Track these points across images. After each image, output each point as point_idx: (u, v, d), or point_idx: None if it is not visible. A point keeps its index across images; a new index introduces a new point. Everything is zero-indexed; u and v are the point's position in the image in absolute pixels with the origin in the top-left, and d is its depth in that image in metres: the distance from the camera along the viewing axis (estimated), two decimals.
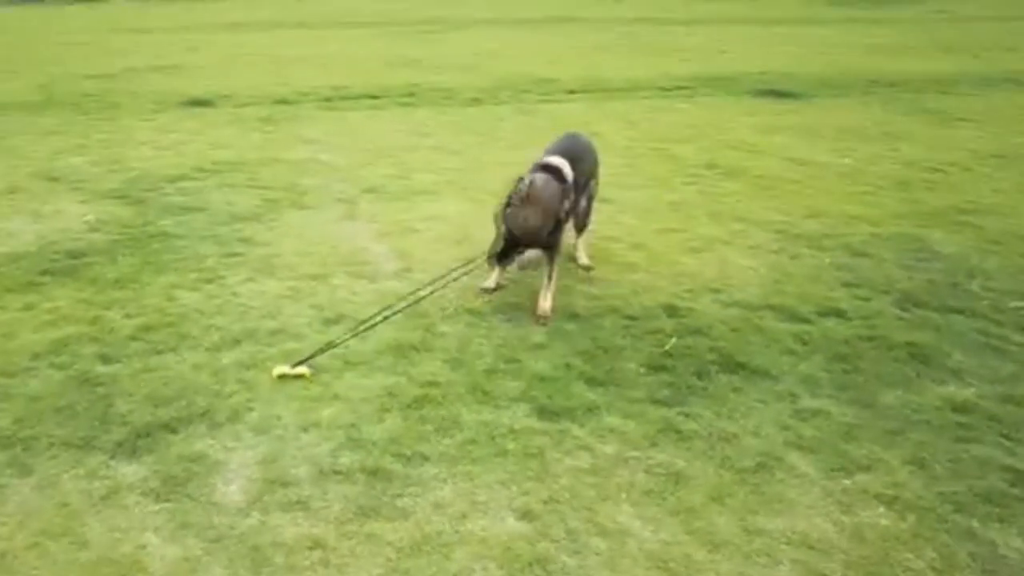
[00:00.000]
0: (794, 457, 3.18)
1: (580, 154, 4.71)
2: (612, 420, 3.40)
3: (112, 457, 3.19)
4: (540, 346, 4.01)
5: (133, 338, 4.08)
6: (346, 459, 3.15)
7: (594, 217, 5.09)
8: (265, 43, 14.49)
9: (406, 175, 6.75)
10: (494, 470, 3.10)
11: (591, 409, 3.48)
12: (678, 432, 3.34)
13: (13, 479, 3.08)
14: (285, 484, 3.02)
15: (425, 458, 3.16)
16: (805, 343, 4.06)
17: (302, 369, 3.73)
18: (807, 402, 3.55)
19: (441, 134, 8.16)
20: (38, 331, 4.16)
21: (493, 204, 6.07)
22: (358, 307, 4.42)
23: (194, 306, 4.45)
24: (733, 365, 3.84)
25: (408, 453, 3.18)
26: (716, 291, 4.64)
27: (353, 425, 3.37)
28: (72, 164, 7.11)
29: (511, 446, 3.24)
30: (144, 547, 2.74)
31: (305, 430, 3.35)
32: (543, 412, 3.46)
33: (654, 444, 3.26)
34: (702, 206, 6.06)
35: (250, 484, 3.03)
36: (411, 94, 10.15)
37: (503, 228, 4.23)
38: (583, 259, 5.03)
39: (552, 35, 15.38)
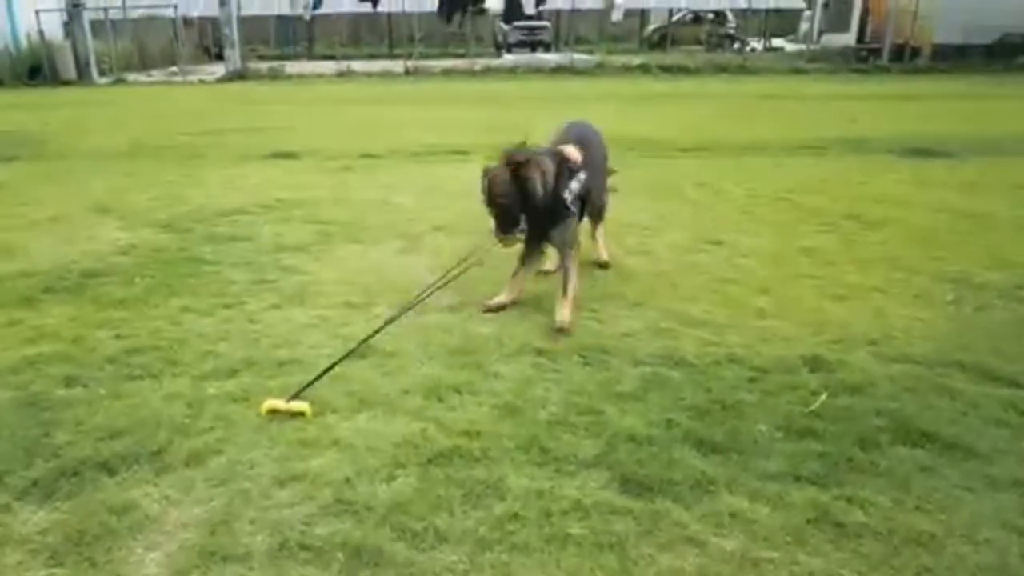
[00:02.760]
0: None
1: (588, 140, 4.32)
2: (735, 502, 2.28)
3: (20, 498, 2.35)
4: (630, 396, 2.95)
5: (112, 360, 3.32)
6: (324, 529, 2.16)
7: (609, 205, 4.73)
8: (364, 114, 14.49)
9: (482, 216, 5.92)
10: (546, 564, 2.03)
11: (702, 484, 2.38)
12: (839, 525, 2.18)
13: None
14: (227, 558, 2.06)
15: (442, 537, 2.13)
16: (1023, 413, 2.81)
17: (300, 405, 2.82)
18: None
19: None
20: (10, 348, 3.47)
21: (584, 243, 5.20)
22: (394, 340, 3.50)
23: (199, 331, 3.67)
24: (916, 435, 2.64)
25: (418, 527, 2.16)
26: (875, 343, 3.46)
27: (348, 481, 2.39)
28: (131, 200, 6.72)
29: (576, 529, 2.16)
30: None
31: (281, 484, 2.40)
32: (629, 484, 2.38)
33: (801, 541, 2.11)
34: (844, 253, 4.90)
35: (180, 553, 2.08)
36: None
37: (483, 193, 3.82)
38: (602, 254, 4.69)
39: (662, 108, 14.68)
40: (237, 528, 2.19)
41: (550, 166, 3.83)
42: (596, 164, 4.25)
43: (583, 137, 4.27)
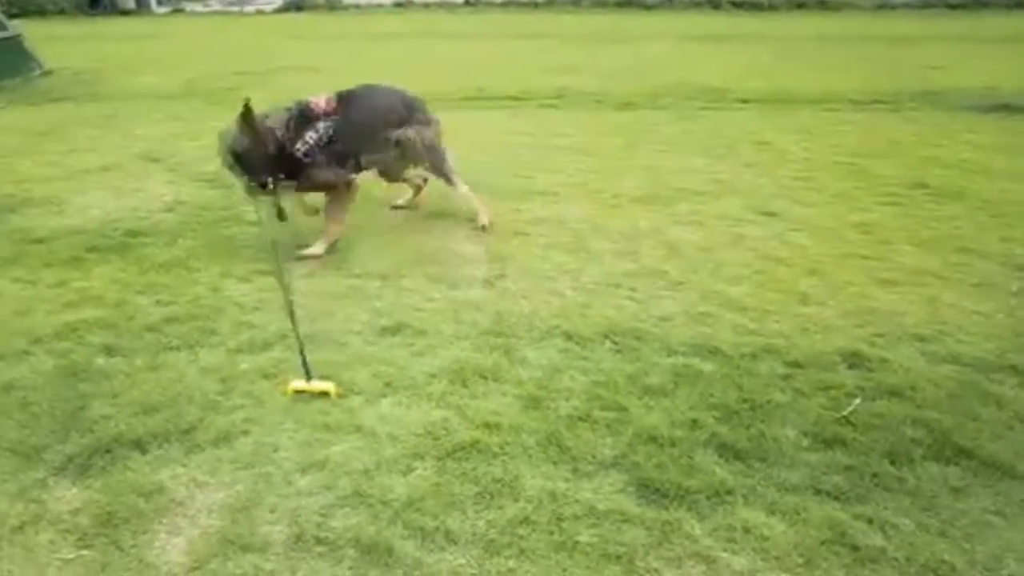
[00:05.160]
0: None
1: (354, 97, 4.46)
2: (750, 516, 2.29)
3: (55, 474, 2.51)
4: (658, 390, 2.95)
5: (151, 329, 3.46)
6: (340, 522, 2.26)
7: (455, 166, 4.83)
8: (414, 50, 14.36)
9: (528, 174, 5.90)
10: (551, 572, 2.09)
11: (719, 494, 2.39)
12: (855, 548, 2.17)
13: None
14: (247, 548, 2.18)
15: (451, 538, 2.20)
16: None
17: (324, 385, 2.91)
18: None
19: (581, 136, 7.28)
20: (55, 312, 3.65)
21: (626, 209, 5.15)
22: (426, 317, 3.56)
23: (236, 299, 3.79)
24: (952, 450, 2.59)
25: (429, 525, 2.24)
26: (923, 339, 3.37)
27: (366, 472, 2.48)
28: (180, 148, 6.89)
29: (585, 537, 2.21)
30: None
31: (303, 471, 2.50)
32: (645, 490, 2.41)
33: (813, 564, 2.12)
34: (904, 230, 4.72)
35: (202, 540, 2.21)
36: (558, 97, 9.36)
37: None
38: (480, 218, 4.74)
39: (729, 49, 14.14)
40: (257, 516, 2.30)
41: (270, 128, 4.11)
42: (361, 120, 4.39)
43: (350, 95, 4.45)
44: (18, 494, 2.42)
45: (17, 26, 12.31)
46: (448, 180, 4.81)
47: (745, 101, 9.04)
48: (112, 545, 2.19)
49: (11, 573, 2.11)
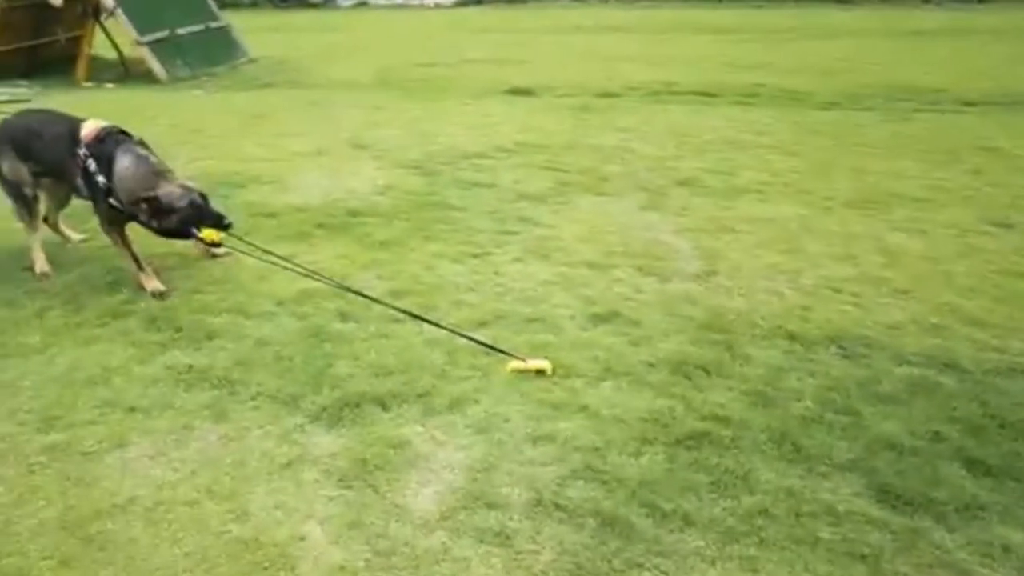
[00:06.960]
0: None
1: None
2: (1008, 534, 2.23)
3: (312, 421, 2.84)
4: (892, 399, 2.91)
5: (379, 301, 3.79)
6: (576, 493, 2.42)
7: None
8: (597, 44, 14.54)
9: (730, 172, 5.87)
10: (793, 564, 2.14)
11: (970, 508, 2.34)
12: None
13: (206, 423, 2.86)
14: (491, 505, 2.38)
15: (689, 521, 2.30)
16: None
17: (541, 363, 3.09)
18: None
19: (781, 134, 7.14)
20: (292, 279, 4.06)
21: (839, 211, 5.02)
22: (638, 307, 3.68)
23: (451, 279, 4.07)
24: None
25: (666, 507, 2.35)
26: None
27: (597, 450, 2.62)
28: (381, 135, 7.40)
29: (826, 534, 2.24)
30: (302, 539, 2.28)
31: (533, 442, 2.68)
32: (886, 495, 2.40)
33: None
34: None
35: (449, 492, 2.44)
36: (752, 94, 9.20)
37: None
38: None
39: (943, 45, 13.25)
40: (496, 478, 2.50)
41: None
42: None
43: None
44: (280, 436, 2.76)
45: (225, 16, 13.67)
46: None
47: (968, 103, 8.48)
48: (370, 488, 2.46)
49: (283, 504, 2.43)
